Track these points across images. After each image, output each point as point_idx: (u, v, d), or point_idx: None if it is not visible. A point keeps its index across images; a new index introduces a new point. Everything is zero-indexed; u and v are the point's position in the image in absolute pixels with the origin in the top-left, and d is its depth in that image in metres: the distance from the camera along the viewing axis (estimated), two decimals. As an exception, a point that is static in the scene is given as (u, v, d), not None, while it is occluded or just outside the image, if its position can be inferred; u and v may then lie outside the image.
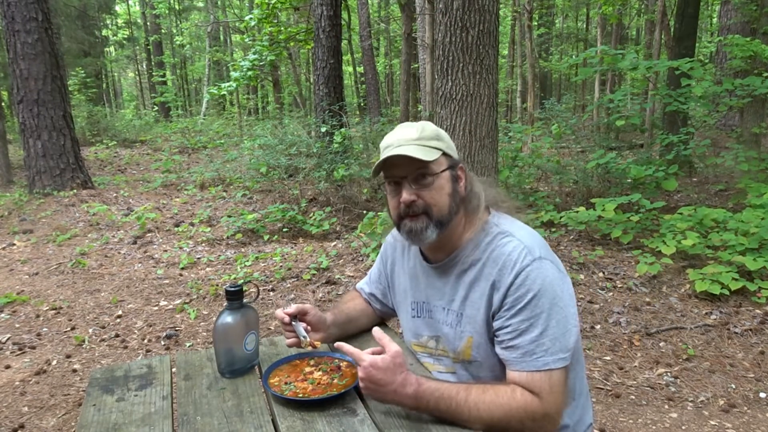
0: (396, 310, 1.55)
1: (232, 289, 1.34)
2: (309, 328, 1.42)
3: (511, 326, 1.20)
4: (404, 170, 1.25)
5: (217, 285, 4.28)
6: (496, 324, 1.23)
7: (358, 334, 1.59)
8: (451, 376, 1.36)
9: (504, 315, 1.21)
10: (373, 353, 1.16)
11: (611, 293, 3.86)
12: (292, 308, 1.42)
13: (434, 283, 1.37)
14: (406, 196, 1.25)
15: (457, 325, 1.31)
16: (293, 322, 1.42)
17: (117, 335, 3.55)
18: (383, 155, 1.26)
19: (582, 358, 1.41)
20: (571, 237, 4.98)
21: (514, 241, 1.24)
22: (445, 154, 1.28)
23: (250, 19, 9.89)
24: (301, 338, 1.39)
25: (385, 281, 1.57)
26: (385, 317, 1.65)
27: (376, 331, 1.19)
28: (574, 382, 1.35)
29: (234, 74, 9.96)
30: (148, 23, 22.55)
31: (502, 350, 1.22)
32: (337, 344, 1.22)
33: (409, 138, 1.25)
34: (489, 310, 1.24)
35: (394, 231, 1.51)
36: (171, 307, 3.99)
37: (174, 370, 1.42)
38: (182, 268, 4.76)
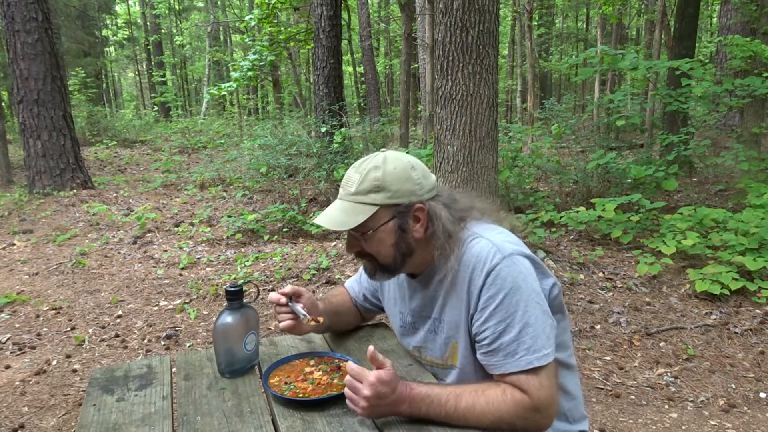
0: (387, 314, 1.55)
1: (232, 289, 1.34)
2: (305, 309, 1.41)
3: (488, 329, 1.18)
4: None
5: (217, 285, 4.28)
6: (473, 328, 1.22)
7: (342, 333, 1.60)
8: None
9: (479, 318, 1.19)
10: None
11: (611, 293, 3.86)
12: (288, 288, 1.40)
13: (417, 294, 1.37)
14: (347, 247, 1.30)
15: (441, 332, 1.31)
16: (290, 303, 1.40)
17: (117, 335, 3.55)
18: (322, 219, 1.25)
19: (572, 361, 1.38)
20: (571, 237, 4.98)
21: (482, 241, 1.23)
22: (386, 205, 1.22)
23: (250, 19, 9.89)
24: (301, 317, 1.37)
25: (375, 283, 1.56)
26: (368, 316, 1.64)
27: (370, 350, 1.14)
28: (562, 383, 1.32)
29: (234, 74, 9.96)
30: (148, 23, 22.55)
31: (483, 356, 1.21)
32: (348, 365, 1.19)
33: (346, 192, 1.25)
34: (468, 312, 1.23)
35: None
36: (171, 307, 3.98)
37: (174, 370, 1.42)
38: (182, 268, 4.76)
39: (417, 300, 1.37)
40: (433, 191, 1.28)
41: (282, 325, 1.40)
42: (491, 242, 1.22)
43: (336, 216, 1.23)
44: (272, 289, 4.18)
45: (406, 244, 1.26)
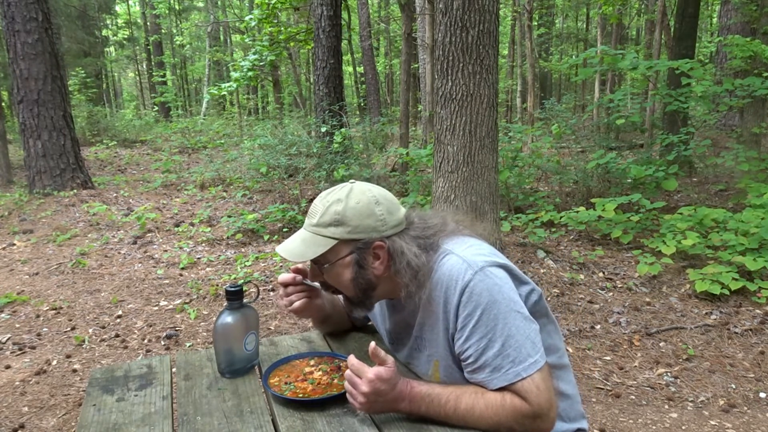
0: (376, 329, 1.55)
1: (232, 289, 1.34)
2: None
3: (471, 348, 1.16)
4: None
5: (217, 285, 4.28)
6: (456, 348, 1.20)
7: (342, 333, 1.59)
8: None
9: (460, 337, 1.18)
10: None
11: (611, 293, 3.86)
12: (301, 264, 1.37)
13: (397, 314, 1.37)
14: (310, 278, 1.31)
15: (423, 349, 1.30)
16: (305, 281, 1.38)
17: (117, 335, 3.55)
18: (281, 248, 1.26)
19: (564, 361, 1.37)
20: (571, 237, 4.98)
21: (453, 257, 1.20)
22: (345, 240, 1.21)
23: (250, 19, 9.89)
24: (317, 286, 1.37)
25: None
26: (357, 324, 1.63)
27: (372, 346, 1.14)
28: (555, 385, 1.31)
29: (234, 74, 9.96)
30: (148, 23, 22.54)
31: (470, 375, 1.19)
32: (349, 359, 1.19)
33: (309, 222, 1.25)
34: (447, 332, 1.22)
35: None
36: (171, 307, 3.98)
37: (174, 370, 1.42)
38: (182, 268, 4.76)
39: (397, 319, 1.38)
40: (400, 226, 1.25)
41: (296, 305, 1.37)
42: (461, 258, 1.19)
43: (295, 246, 1.24)
44: (272, 290, 4.18)
45: (365, 280, 1.24)
